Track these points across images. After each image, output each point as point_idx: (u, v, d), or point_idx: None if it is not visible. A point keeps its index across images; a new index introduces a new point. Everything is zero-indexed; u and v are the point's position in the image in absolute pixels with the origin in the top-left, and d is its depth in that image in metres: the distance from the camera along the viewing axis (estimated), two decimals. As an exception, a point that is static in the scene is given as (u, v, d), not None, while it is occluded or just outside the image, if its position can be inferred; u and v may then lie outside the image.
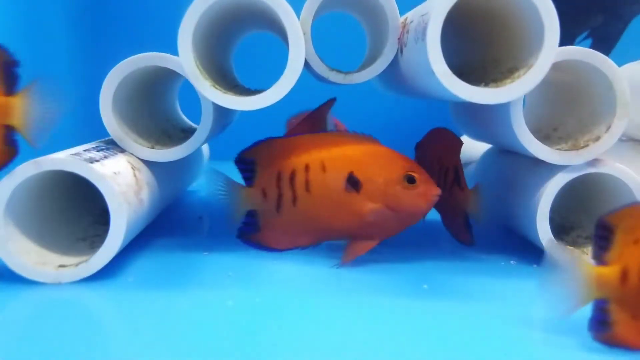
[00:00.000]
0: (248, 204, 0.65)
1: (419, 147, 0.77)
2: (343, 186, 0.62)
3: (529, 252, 0.67)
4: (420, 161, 0.71)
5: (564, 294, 0.45)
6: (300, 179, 0.63)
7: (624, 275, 0.44)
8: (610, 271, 0.45)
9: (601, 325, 0.45)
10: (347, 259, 0.63)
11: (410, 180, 0.61)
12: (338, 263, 0.63)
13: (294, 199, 0.63)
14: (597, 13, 0.92)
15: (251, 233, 0.66)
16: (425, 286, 0.57)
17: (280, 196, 0.64)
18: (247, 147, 0.66)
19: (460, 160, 0.69)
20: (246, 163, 0.66)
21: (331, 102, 0.82)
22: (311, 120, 0.80)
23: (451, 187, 0.69)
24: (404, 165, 0.62)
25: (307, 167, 0.63)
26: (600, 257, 0.46)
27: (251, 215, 0.66)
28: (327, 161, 0.63)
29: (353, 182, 0.61)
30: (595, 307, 0.45)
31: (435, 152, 0.73)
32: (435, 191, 0.61)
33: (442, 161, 0.71)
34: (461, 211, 0.68)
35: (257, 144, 0.66)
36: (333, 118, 0.81)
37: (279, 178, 0.64)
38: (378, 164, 0.62)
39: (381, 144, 0.64)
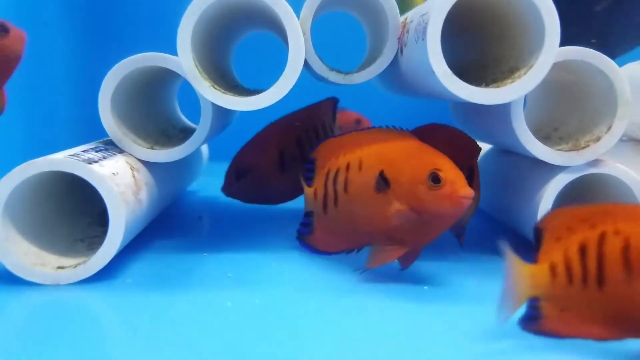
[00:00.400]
0: (307, 204, 0.65)
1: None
2: (373, 186, 0.57)
3: (530, 253, 0.67)
4: None
5: (504, 294, 0.46)
6: (341, 178, 0.60)
7: (553, 271, 0.46)
8: (539, 268, 0.47)
9: (531, 321, 0.47)
10: (372, 265, 0.58)
11: (435, 179, 0.53)
12: (362, 268, 0.58)
13: (335, 199, 0.61)
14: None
15: (307, 234, 0.64)
16: (425, 287, 0.57)
17: (325, 196, 0.62)
18: (313, 147, 0.65)
19: (477, 163, 0.66)
20: (309, 163, 0.65)
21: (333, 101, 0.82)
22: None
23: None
24: (430, 162, 0.54)
25: (347, 166, 0.60)
26: (534, 259, 0.47)
27: (308, 216, 0.65)
28: (364, 159, 0.59)
29: (383, 182, 0.56)
30: (528, 305, 0.47)
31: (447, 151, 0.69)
32: (464, 192, 0.53)
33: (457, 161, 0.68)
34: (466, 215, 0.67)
35: (319, 143, 0.65)
36: (358, 114, 0.80)
37: (327, 177, 0.62)
38: (407, 161, 0.56)
39: (416, 140, 0.59)
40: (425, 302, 0.54)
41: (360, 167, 0.59)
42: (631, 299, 0.44)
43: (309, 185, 0.64)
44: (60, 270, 0.57)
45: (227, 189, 0.82)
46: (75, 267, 0.57)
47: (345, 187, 0.59)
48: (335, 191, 0.60)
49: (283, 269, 0.62)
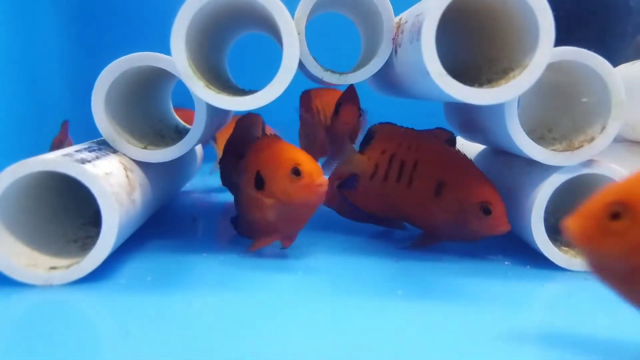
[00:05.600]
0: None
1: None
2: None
3: (523, 253, 0.67)
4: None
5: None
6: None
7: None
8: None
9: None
10: (253, 248, 0.66)
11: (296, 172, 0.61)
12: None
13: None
14: None
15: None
16: (399, 292, 0.57)
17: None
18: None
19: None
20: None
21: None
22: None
23: None
24: (291, 158, 0.63)
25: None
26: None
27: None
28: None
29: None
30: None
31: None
32: (320, 181, 0.61)
33: None
34: None
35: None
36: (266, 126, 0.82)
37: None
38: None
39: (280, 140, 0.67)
40: (418, 302, 0.54)
41: (246, 170, 0.67)
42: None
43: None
44: (52, 271, 0.56)
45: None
46: (68, 267, 0.57)
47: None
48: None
49: (279, 269, 0.62)
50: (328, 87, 0.88)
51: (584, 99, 0.64)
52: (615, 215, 0.38)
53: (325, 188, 0.61)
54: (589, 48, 0.61)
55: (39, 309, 0.52)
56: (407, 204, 0.69)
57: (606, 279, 0.40)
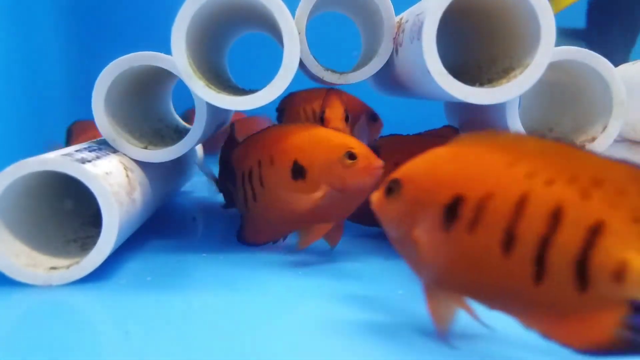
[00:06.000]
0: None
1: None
2: (289, 176, 0.62)
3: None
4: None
5: None
6: (255, 175, 0.65)
7: None
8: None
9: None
10: (303, 245, 0.64)
11: (351, 156, 0.59)
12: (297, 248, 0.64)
13: (254, 196, 0.66)
14: None
15: (240, 232, 0.70)
16: (400, 292, 0.57)
17: (245, 194, 0.67)
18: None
19: None
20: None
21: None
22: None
23: None
24: (342, 143, 0.60)
25: (259, 163, 0.65)
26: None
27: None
28: (274, 154, 0.63)
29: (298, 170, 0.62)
30: None
31: None
32: (377, 163, 0.58)
33: None
34: None
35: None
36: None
37: (242, 178, 0.67)
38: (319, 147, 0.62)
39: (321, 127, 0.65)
40: (416, 303, 0.53)
41: (272, 162, 0.63)
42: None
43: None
44: (52, 271, 0.56)
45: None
46: (68, 267, 0.56)
47: (261, 182, 0.64)
48: (252, 188, 0.65)
49: (279, 269, 0.62)
50: (317, 88, 0.86)
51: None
52: (390, 190, 0.44)
53: (382, 170, 0.58)
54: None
55: (39, 309, 0.52)
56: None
57: (393, 244, 0.46)
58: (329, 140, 0.60)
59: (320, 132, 0.62)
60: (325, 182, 0.59)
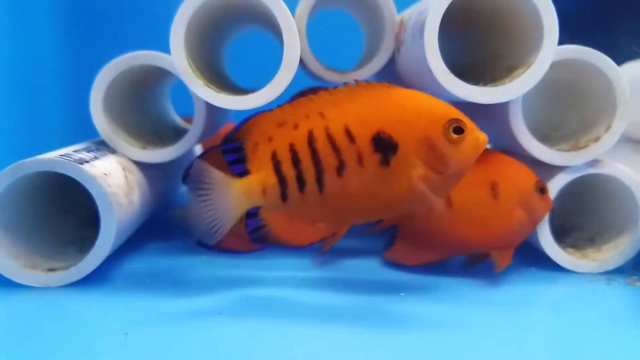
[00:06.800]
0: (243, 201, 0.58)
1: None
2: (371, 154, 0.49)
3: (528, 254, 0.66)
4: None
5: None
6: (305, 155, 0.52)
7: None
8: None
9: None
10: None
11: (457, 130, 0.47)
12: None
13: (302, 183, 0.51)
14: None
15: (262, 237, 0.55)
16: (402, 294, 0.56)
17: (283, 183, 0.52)
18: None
19: None
20: (231, 147, 0.54)
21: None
22: None
23: None
24: (446, 112, 0.48)
25: (310, 139, 0.51)
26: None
27: (255, 215, 0.62)
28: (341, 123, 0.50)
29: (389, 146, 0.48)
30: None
31: None
32: (484, 137, 0.48)
33: None
34: None
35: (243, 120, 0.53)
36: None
37: (277, 160, 0.53)
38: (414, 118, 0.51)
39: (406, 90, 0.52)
40: (422, 305, 0.53)
41: (346, 134, 0.49)
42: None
43: (241, 175, 0.51)
44: (50, 273, 0.56)
45: None
46: (66, 269, 0.56)
47: (319, 166, 0.49)
48: (300, 173, 0.49)
49: (280, 269, 0.62)
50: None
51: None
52: None
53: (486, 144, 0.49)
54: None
55: (37, 310, 0.52)
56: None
57: None
58: (429, 108, 0.49)
59: (412, 95, 0.50)
60: (423, 162, 0.48)
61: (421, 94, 0.49)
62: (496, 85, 0.57)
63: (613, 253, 0.62)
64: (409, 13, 0.65)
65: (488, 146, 0.71)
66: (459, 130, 0.47)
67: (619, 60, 0.63)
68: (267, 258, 0.65)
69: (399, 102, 0.48)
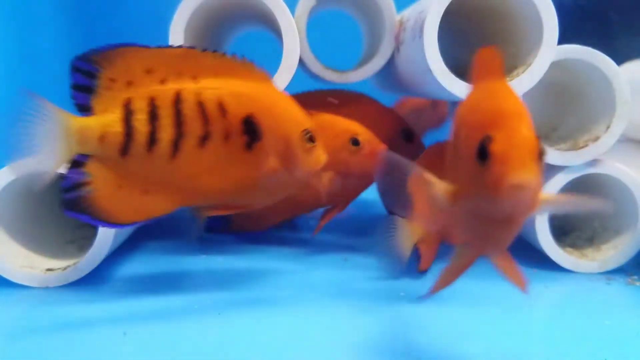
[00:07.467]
0: (75, 143, 0.49)
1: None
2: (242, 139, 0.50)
3: (528, 254, 0.66)
4: None
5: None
6: (167, 112, 0.49)
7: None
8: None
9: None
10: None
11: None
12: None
13: (152, 142, 0.48)
14: None
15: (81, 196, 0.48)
16: (402, 294, 0.56)
17: (129, 135, 0.48)
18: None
19: None
20: (84, 70, 0.48)
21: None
22: None
23: None
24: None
25: (177, 98, 0.49)
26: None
27: (79, 165, 0.51)
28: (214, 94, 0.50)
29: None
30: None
31: None
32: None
33: None
34: None
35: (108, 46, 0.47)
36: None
37: (130, 109, 0.48)
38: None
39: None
40: (420, 305, 0.53)
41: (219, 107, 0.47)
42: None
43: (85, 112, 0.46)
44: (49, 273, 0.56)
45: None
46: (64, 269, 0.56)
47: (180, 129, 0.46)
48: (154, 130, 0.45)
49: (280, 270, 0.62)
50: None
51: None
52: None
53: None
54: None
55: (35, 310, 0.51)
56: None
57: None
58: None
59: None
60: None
61: (289, 98, 0.52)
62: (496, 85, 0.57)
63: (613, 253, 0.62)
64: (409, 13, 0.65)
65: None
66: (312, 140, 0.50)
67: (619, 59, 0.63)
68: (268, 258, 0.65)
69: (275, 98, 0.50)
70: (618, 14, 0.88)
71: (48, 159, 0.42)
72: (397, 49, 0.67)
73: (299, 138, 0.50)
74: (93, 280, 0.57)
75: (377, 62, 0.69)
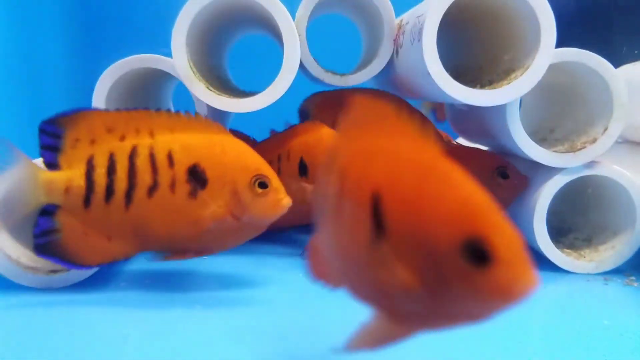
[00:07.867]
0: (42, 194, 0.54)
1: None
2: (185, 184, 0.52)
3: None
4: None
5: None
6: (122, 165, 0.53)
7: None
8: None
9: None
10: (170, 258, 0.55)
11: (262, 185, 0.52)
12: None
13: (110, 194, 0.52)
14: None
15: (51, 240, 0.53)
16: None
17: (90, 188, 0.52)
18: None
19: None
20: (49, 132, 0.54)
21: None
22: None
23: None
24: (254, 166, 0.54)
25: (133, 152, 0.52)
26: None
27: (48, 213, 0.54)
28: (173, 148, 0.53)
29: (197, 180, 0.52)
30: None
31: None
32: (287, 201, 0.52)
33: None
34: None
35: (69, 111, 0.53)
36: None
37: (91, 164, 0.52)
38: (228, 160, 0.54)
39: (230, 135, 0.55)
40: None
41: (169, 159, 0.51)
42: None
43: (52, 168, 0.51)
44: (53, 274, 0.56)
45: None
46: (68, 270, 0.56)
47: (132, 180, 0.50)
48: (111, 183, 0.50)
49: (280, 270, 0.62)
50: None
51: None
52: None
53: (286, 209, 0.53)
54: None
55: (39, 312, 0.52)
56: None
57: None
58: (244, 158, 0.53)
59: (236, 144, 0.54)
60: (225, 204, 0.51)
61: (246, 146, 0.54)
62: (494, 88, 0.57)
63: (610, 253, 0.63)
64: (407, 16, 0.65)
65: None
66: (264, 185, 0.51)
67: (616, 62, 0.63)
68: (269, 259, 0.65)
69: (223, 146, 0.52)
70: (618, 14, 0.89)
71: (17, 203, 0.48)
72: (396, 52, 0.68)
73: (247, 184, 0.51)
74: (96, 281, 0.57)
75: (377, 65, 0.69)
